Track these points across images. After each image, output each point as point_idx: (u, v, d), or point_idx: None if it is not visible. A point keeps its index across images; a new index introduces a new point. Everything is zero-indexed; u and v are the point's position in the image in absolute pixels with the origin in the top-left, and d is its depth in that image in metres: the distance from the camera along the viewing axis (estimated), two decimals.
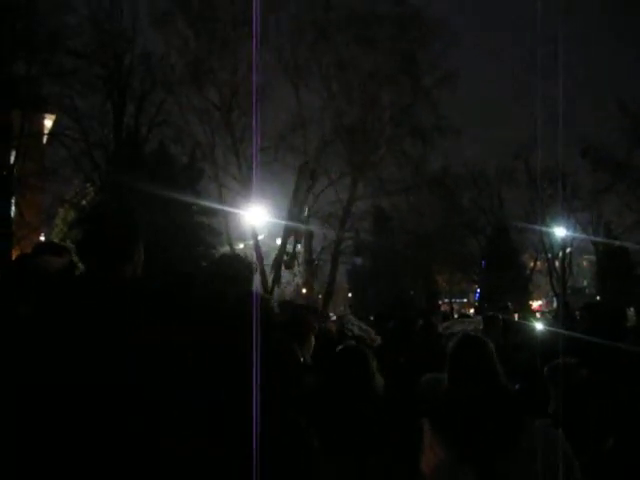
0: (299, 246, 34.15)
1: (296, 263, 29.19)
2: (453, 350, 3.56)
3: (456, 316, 14.79)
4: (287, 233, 28.80)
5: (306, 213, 29.38)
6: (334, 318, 16.11)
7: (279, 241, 29.35)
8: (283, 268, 29.60)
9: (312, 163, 29.14)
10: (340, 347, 3.77)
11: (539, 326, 7.94)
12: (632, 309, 8.30)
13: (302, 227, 27.75)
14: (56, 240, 25.04)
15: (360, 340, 6.30)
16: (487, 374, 3.39)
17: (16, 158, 22.97)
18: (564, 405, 3.77)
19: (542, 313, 25.17)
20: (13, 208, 23.06)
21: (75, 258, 3.11)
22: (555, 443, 3.13)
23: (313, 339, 4.43)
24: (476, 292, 49.28)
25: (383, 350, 6.56)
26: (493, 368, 3.42)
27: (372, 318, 13.44)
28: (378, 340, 6.59)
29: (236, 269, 3.22)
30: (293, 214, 26.58)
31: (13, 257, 16.82)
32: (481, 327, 6.93)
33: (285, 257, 28.50)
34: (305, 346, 4.30)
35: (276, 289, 31.11)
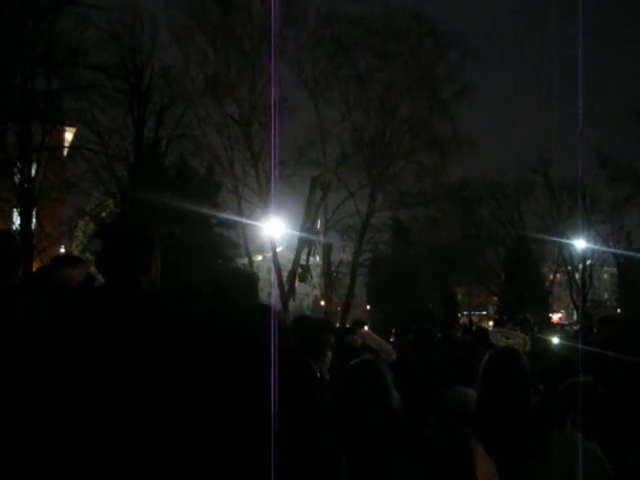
0: (317, 258, 34.24)
1: (309, 276, 29.18)
2: (487, 364, 3.52)
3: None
4: (301, 246, 28.88)
5: (319, 226, 29.43)
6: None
7: (296, 251, 29.47)
8: (298, 281, 29.63)
9: (324, 176, 29.25)
10: (352, 362, 3.73)
11: (555, 340, 7.90)
12: None
13: (315, 239, 27.79)
14: (76, 252, 25.23)
15: (376, 354, 6.25)
16: (518, 390, 3.35)
17: (37, 171, 23.15)
18: (582, 423, 3.74)
19: (562, 326, 24.98)
20: (34, 220, 23.23)
21: (93, 270, 3.13)
22: (586, 454, 3.12)
23: (330, 354, 4.39)
24: (496, 305, 49.01)
25: (402, 362, 6.52)
26: (524, 384, 3.38)
27: (393, 331, 13.39)
28: (394, 354, 6.52)
29: (238, 282, 3.25)
30: (306, 227, 26.67)
31: (33, 269, 16.96)
32: (527, 348, 6.69)
33: (299, 269, 28.54)
34: (321, 361, 4.25)
35: (293, 301, 31.12)
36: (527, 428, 3.22)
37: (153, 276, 2.70)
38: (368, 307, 51.74)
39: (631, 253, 41.26)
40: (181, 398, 2.41)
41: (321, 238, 31.10)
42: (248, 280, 3.63)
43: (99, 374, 2.38)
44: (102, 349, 2.42)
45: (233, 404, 2.50)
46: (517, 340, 6.71)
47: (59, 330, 2.53)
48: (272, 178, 29.85)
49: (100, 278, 2.78)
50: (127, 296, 2.58)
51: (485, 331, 8.05)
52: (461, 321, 45.11)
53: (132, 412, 2.36)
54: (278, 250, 32.15)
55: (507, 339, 6.94)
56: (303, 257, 28.91)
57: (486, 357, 3.54)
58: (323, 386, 3.76)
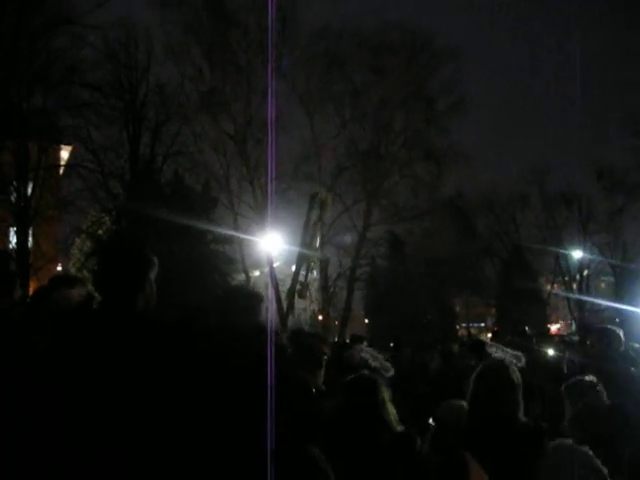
0: (314, 273, 34.25)
1: (308, 292, 29.18)
2: (476, 378, 3.58)
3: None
4: (300, 263, 28.88)
5: (318, 243, 29.42)
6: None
7: (295, 268, 29.44)
8: (297, 297, 29.60)
9: (323, 192, 29.28)
10: (349, 377, 3.76)
11: (551, 351, 7.91)
12: None
13: (314, 256, 27.77)
14: (73, 270, 25.20)
15: (373, 370, 6.25)
16: (506, 405, 3.39)
17: (33, 190, 23.18)
18: (581, 423, 3.78)
19: (561, 337, 24.97)
20: (30, 239, 23.24)
21: (91, 288, 3.16)
22: (580, 461, 3.13)
23: (324, 367, 4.43)
24: (494, 317, 48.97)
25: (401, 378, 6.54)
26: (513, 400, 3.42)
27: (392, 344, 13.40)
28: (391, 370, 6.55)
29: (244, 300, 3.26)
30: (305, 244, 26.70)
31: (30, 288, 16.93)
32: (520, 364, 6.66)
33: (298, 286, 28.55)
34: (317, 375, 4.29)
35: (291, 317, 31.08)
36: (516, 439, 3.26)
37: (148, 294, 2.73)
38: (366, 321, 51.66)
39: (627, 263, 41.35)
40: (179, 415, 2.43)
41: (318, 254, 31.13)
42: (252, 299, 3.60)
43: (97, 393, 2.40)
44: (100, 369, 2.44)
45: (230, 422, 2.52)
46: (508, 356, 6.71)
47: (60, 349, 2.56)
48: (268, 193, 29.92)
49: (98, 297, 2.82)
50: (123, 316, 2.61)
51: (481, 344, 8.06)
52: (459, 333, 45.06)
53: (133, 430, 2.38)
54: (275, 265, 32.15)
55: (500, 354, 6.94)
56: (302, 273, 28.90)
57: (476, 371, 3.59)
58: (320, 396, 3.79)
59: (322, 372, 4.38)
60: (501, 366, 3.70)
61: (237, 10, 31.10)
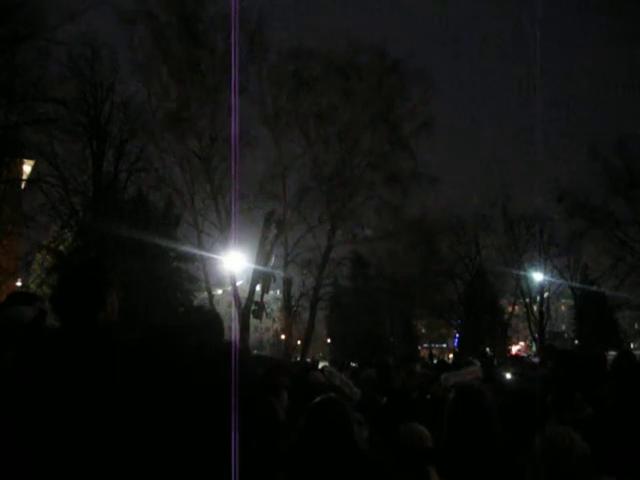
0: (278, 292, 34.18)
1: (264, 313, 29.11)
2: (450, 405, 3.66)
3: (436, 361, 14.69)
4: (255, 281, 28.80)
5: (272, 262, 29.37)
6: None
7: (258, 287, 29.37)
8: (252, 317, 29.47)
9: (279, 212, 29.28)
10: (315, 400, 3.72)
11: (508, 375, 7.93)
12: (610, 353, 8.27)
13: (270, 275, 27.76)
14: (33, 286, 24.80)
15: (339, 392, 6.22)
16: (483, 426, 3.46)
17: None
18: None
19: (522, 358, 25.20)
20: None
21: (48, 306, 3.11)
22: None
23: (285, 395, 4.38)
24: (455, 337, 49.32)
25: (364, 400, 6.53)
26: (488, 419, 3.49)
27: (353, 365, 13.38)
28: (358, 394, 6.52)
29: (207, 321, 3.24)
30: (260, 263, 26.68)
31: None
32: (480, 375, 6.73)
33: (253, 306, 28.48)
34: (278, 402, 4.23)
35: (256, 337, 30.95)
36: (493, 461, 3.33)
37: (107, 312, 2.70)
38: (328, 340, 51.66)
39: (586, 286, 41.97)
40: (137, 433, 2.39)
41: (281, 272, 31.10)
42: (212, 320, 3.57)
43: (55, 411, 2.36)
44: (57, 386, 2.40)
45: (189, 440, 2.48)
46: (468, 376, 6.74)
47: (17, 367, 2.51)
48: (232, 212, 29.80)
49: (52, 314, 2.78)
50: (82, 334, 2.57)
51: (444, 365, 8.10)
52: (422, 354, 45.22)
53: (89, 446, 2.34)
54: (238, 284, 32.01)
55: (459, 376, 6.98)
56: (264, 292, 28.81)
57: (450, 397, 3.67)
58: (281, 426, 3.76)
59: (282, 400, 4.31)
60: (475, 392, 3.78)
61: (206, 30, 31.13)
